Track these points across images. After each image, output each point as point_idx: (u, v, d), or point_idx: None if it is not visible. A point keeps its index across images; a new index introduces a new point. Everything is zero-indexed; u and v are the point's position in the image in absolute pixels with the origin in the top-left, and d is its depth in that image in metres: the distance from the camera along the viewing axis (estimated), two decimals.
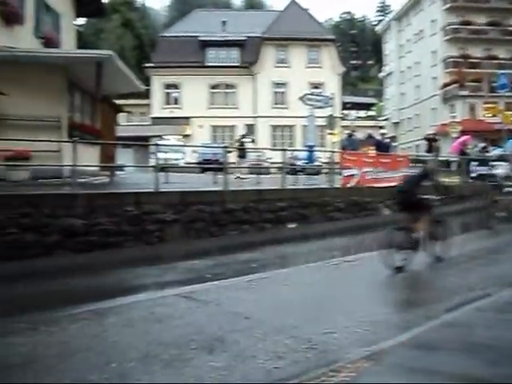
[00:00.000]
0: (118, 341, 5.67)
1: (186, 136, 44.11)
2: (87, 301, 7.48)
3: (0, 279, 8.80)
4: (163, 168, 14.66)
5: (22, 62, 16.32)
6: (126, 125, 38.59)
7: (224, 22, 49.15)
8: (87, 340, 5.70)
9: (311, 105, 21.79)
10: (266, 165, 27.39)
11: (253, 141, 43.16)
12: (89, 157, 15.91)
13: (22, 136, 13.30)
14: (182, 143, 40.95)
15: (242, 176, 18.50)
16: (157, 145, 17.69)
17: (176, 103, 46.72)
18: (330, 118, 24.70)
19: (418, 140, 43.55)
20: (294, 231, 14.08)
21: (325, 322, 6.24)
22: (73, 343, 5.60)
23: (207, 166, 19.81)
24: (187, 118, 45.05)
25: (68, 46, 23.46)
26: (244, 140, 23.95)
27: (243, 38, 47.11)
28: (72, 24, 25.10)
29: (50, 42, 21.16)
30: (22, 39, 18.73)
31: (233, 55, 47.33)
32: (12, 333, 5.92)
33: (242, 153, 21.30)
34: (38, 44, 20.43)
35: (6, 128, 15.16)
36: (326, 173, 19.14)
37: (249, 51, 46.79)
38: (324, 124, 27.47)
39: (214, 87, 46.98)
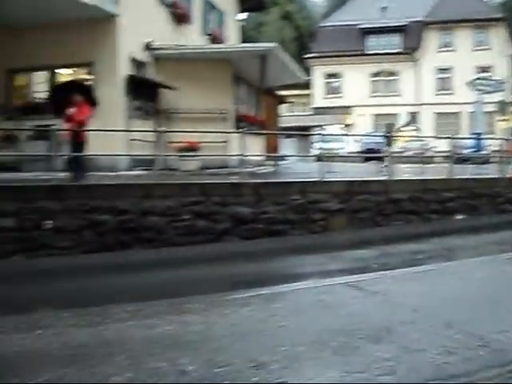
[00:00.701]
0: (287, 325, 5.73)
1: (347, 125, 43.91)
2: (256, 285, 7.70)
3: (174, 263, 9.47)
4: (326, 157, 14.69)
5: (191, 59, 17.21)
6: (287, 115, 39.21)
7: (384, 8, 47.98)
8: (257, 323, 5.86)
9: (481, 90, 20.71)
10: (430, 154, 26.46)
11: (416, 129, 41.97)
12: (254, 147, 16.39)
13: (192, 128, 14.03)
14: (344, 132, 40.84)
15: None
16: (320, 134, 17.82)
17: (337, 92, 46.64)
18: (501, 103, 23.30)
19: None
20: (461, 223, 13.51)
21: (498, 320, 5.85)
22: (244, 325, 5.78)
23: (370, 155, 19.54)
24: (348, 107, 44.81)
25: (232, 41, 24.37)
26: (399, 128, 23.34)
27: (404, 24, 45.67)
28: (235, 20, 25.99)
29: (215, 38, 22.16)
30: (191, 37, 19.76)
31: (394, 41, 46.10)
32: (187, 312, 6.25)
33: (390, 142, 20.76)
34: (205, 41, 21.45)
35: (177, 121, 16.13)
36: (496, 162, 18.05)
37: (410, 36, 45.33)
38: (493, 110, 26.01)
39: (375, 75, 46.20)
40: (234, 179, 11.90)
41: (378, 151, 18.02)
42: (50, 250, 9.72)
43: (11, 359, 4.91)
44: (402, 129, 40.29)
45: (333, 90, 46.92)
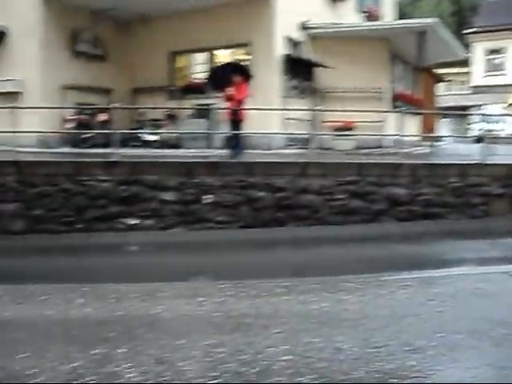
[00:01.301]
0: (444, 311, 5.57)
1: (510, 105, 41.18)
2: (412, 268, 7.59)
3: (328, 242, 9.57)
4: (485, 139, 13.92)
5: (347, 37, 17.04)
6: (444, 94, 37.59)
7: None
8: (413, 306, 5.75)
9: None
10: None
11: None
12: (410, 127, 15.98)
13: (346, 107, 13.94)
14: (506, 113, 38.33)
15: None
16: (481, 115, 16.97)
17: (499, 70, 43.82)
18: None
19: None
20: None
21: None
22: (400, 307, 5.70)
23: None
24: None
25: (388, 17, 23.79)
26: None
27: None
28: None
29: (371, 15, 21.74)
30: (346, 15, 19.55)
31: None
32: (342, 291, 6.30)
33: None
34: (361, 18, 21.12)
35: (332, 100, 16.09)
36: None
37: None
38: None
39: None
40: (390, 159, 11.70)
41: None
42: (208, 223, 10.24)
43: (174, 323, 5.28)
44: None
45: (495, 68, 44.06)
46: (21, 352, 4.45)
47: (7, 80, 15.27)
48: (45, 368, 4.12)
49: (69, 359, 4.28)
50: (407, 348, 4.54)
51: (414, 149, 14.93)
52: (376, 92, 16.61)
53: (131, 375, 4.01)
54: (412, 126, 17.35)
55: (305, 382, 3.92)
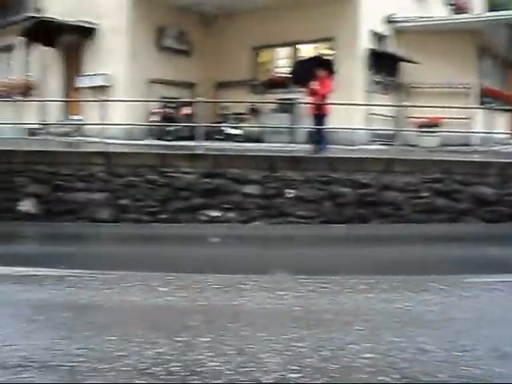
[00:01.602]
0: None
1: None
2: (500, 271, 7.25)
3: (412, 240, 9.39)
4: None
5: (433, 31, 16.63)
6: None
7: None
8: (502, 311, 5.53)
9: None
10: None
11: None
12: (499, 124, 15.42)
13: (432, 103, 13.60)
14: None
15: None
16: None
17: None
18: None
19: None
20: None
21: None
22: (487, 311, 5.49)
23: None
24: None
25: (478, 10, 23.00)
26: None
27: None
28: None
29: (459, 7, 21.11)
30: (433, 8, 19.06)
31: None
32: (425, 291, 6.17)
33: None
34: (448, 11, 20.54)
35: (417, 96, 15.74)
36: None
37: None
38: None
39: None
40: (478, 158, 11.32)
41: None
42: (289, 217, 10.25)
43: (255, 315, 5.32)
44: None
45: None
46: (109, 335, 4.62)
47: (97, 74, 15.83)
48: (131, 352, 4.24)
49: (153, 345, 4.38)
50: (495, 354, 4.36)
51: (503, 147, 14.41)
52: (463, 88, 16.11)
53: (213, 364, 4.07)
54: (501, 124, 16.72)
55: (387, 381, 3.85)
